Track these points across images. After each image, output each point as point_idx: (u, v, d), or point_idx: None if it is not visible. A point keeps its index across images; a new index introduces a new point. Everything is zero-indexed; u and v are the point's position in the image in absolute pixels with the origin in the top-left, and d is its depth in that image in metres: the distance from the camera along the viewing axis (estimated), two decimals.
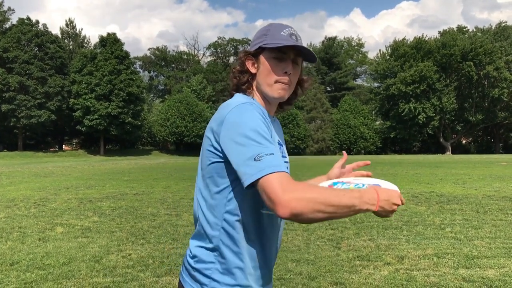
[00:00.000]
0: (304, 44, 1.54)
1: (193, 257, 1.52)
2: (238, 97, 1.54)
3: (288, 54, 1.52)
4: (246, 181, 1.31)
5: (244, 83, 1.58)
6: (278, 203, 1.25)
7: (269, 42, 1.52)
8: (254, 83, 1.58)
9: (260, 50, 1.55)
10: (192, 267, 1.51)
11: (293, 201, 1.24)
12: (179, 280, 1.58)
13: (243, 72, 1.58)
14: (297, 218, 1.26)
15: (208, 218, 1.49)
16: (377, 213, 1.36)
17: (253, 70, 1.57)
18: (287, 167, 1.58)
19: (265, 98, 1.58)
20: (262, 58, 1.55)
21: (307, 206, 1.25)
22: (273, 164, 1.30)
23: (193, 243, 1.54)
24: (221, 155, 1.43)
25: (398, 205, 1.37)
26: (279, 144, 1.58)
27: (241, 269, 1.48)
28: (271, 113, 1.63)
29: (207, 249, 1.50)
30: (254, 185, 1.31)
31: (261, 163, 1.30)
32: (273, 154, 1.33)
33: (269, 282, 1.61)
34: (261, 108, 1.53)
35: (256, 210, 1.48)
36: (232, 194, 1.46)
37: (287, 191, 1.25)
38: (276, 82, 1.52)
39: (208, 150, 1.47)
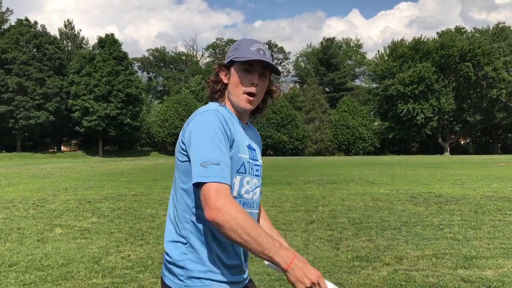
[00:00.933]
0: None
1: (168, 252, 1.65)
2: (209, 105, 1.69)
3: (256, 67, 1.66)
4: (192, 180, 1.49)
5: (217, 91, 1.73)
6: (207, 206, 1.42)
7: (239, 56, 1.66)
8: (226, 92, 1.73)
9: (232, 62, 1.69)
10: (168, 261, 1.64)
11: (220, 210, 1.40)
12: (161, 277, 1.71)
13: (217, 82, 1.74)
14: (217, 227, 1.42)
15: (179, 213, 1.64)
16: (286, 275, 1.42)
17: (225, 80, 1.72)
18: (258, 170, 1.76)
19: (235, 107, 1.72)
20: (232, 70, 1.70)
21: (228, 222, 1.39)
22: (217, 174, 1.45)
23: (167, 239, 1.68)
24: (186, 154, 1.58)
25: (311, 281, 1.39)
26: (250, 148, 1.72)
27: (211, 257, 1.59)
28: (244, 120, 1.76)
29: (179, 242, 1.62)
30: (197, 186, 1.48)
31: (206, 170, 1.46)
32: (218, 164, 1.47)
33: (243, 272, 1.71)
34: (228, 115, 1.66)
35: None
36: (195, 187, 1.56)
37: (219, 200, 1.41)
38: (243, 93, 1.67)
39: (179, 150, 1.63)
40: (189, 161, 1.56)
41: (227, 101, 1.73)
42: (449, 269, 4.91)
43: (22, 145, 58.17)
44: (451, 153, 66.44)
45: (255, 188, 1.73)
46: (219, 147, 1.51)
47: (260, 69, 1.67)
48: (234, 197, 1.63)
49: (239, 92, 1.67)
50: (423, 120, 63.88)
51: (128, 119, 57.11)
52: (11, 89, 53.56)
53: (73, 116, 56.63)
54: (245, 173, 1.66)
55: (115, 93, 55.71)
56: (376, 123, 72.21)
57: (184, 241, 1.61)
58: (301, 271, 1.40)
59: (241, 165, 1.64)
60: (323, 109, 71.90)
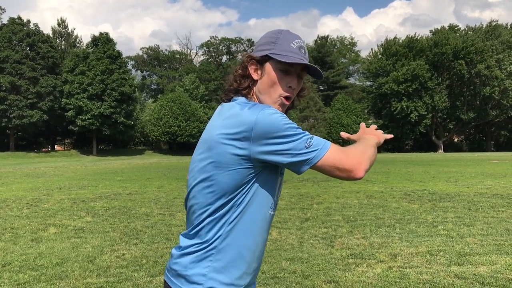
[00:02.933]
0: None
1: (183, 259, 1.51)
2: (246, 101, 1.51)
3: (295, 68, 1.51)
4: (304, 168, 1.42)
5: (245, 88, 1.54)
6: (351, 171, 1.43)
7: (278, 52, 1.48)
8: (255, 89, 1.55)
9: (267, 58, 1.51)
10: (184, 266, 1.50)
11: (359, 165, 1.44)
12: (165, 281, 1.57)
13: (245, 77, 1.55)
14: (367, 171, 1.48)
15: (206, 217, 1.49)
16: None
17: (255, 77, 1.54)
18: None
19: None
20: (268, 67, 1.51)
21: (368, 165, 1.48)
22: (322, 141, 1.43)
23: (186, 242, 1.54)
24: (247, 160, 1.42)
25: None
26: None
27: (237, 267, 1.49)
28: None
29: (201, 250, 1.49)
30: (315, 167, 1.43)
31: (314, 147, 1.40)
32: (313, 136, 1.43)
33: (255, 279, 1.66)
34: None
35: (262, 212, 1.52)
36: (245, 197, 1.47)
37: (351, 158, 1.44)
38: (279, 96, 1.51)
39: (234, 156, 1.42)
40: (248, 167, 1.43)
41: (254, 98, 1.56)
42: (443, 265, 4.94)
43: (15, 144, 57.80)
44: (444, 151, 66.72)
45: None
46: (298, 127, 1.42)
47: (299, 70, 1.53)
48: (276, 202, 1.58)
49: (274, 94, 1.51)
50: (416, 118, 64.09)
51: (122, 118, 56.88)
52: (4, 88, 53.18)
53: (66, 115, 56.32)
54: (282, 174, 1.58)
55: (109, 92, 55.48)
56: (370, 121, 72.27)
57: (211, 246, 1.47)
58: (372, 133, 1.79)
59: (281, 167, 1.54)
60: (317, 107, 71.98)
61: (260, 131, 1.38)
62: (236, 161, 1.43)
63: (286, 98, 1.52)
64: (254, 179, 1.46)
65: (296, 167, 1.43)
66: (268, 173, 1.49)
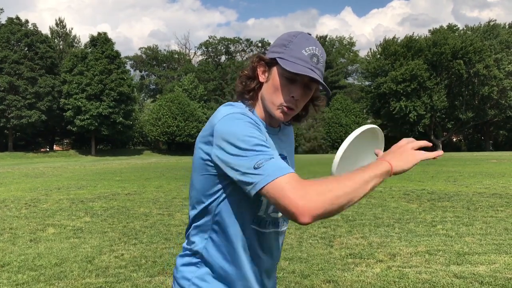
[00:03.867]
0: (324, 54, 1.45)
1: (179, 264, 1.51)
2: (234, 106, 1.43)
3: (302, 78, 1.38)
4: (252, 191, 1.23)
5: (250, 90, 1.45)
6: (294, 213, 1.16)
7: (286, 58, 1.37)
8: (260, 92, 1.46)
9: (275, 61, 1.40)
10: (177, 268, 1.50)
11: (309, 206, 1.15)
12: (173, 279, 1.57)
13: (251, 79, 1.46)
14: (321, 218, 1.19)
15: (198, 225, 1.46)
16: (397, 171, 1.29)
17: (262, 79, 1.44)
18: None
19: (267, 112, 1.46)
20: (274, 71, 1.41)
21: (327, 205, 1.16)
22: (278, 167, 1.21)
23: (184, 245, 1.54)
24: (212, 167, 1.35)
25: (410, 146, 1.34)
26: (281, 157, 1.45)
27: (220, 280, 1.43)
28: (275, 124, 1.52)
29: (192, 253, 1.47)
30: (261, 193, 1.22)
31: (263, 170, 1.20)
32: (273, 157, 1.23)
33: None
34: (255, 119, 1.41)
35: (239, 222, 1.41)
36: (219, 206, 1.40)
37: (299, 195, 1.16)
38: (280, 104, 1.40)
39: (201, 160, 1.39)
40: (214, 174, 1.36)
41: (258, 102, 1.47)
42: (442, 265, 4.94)
43: (14, 144, 57.72)
44: (443, 150, 66.66)
45: None
46: (265, 145, 1.27)
47: (307, 80, 1.39)
48: (261, 217, 1.43)
49: (276, 101, 1.40)
50: (415, 117, 64.13)
51: (121, 118, 56.85)
52: (2, 88, 53.14)
53: (65, 115, 56.27)
54: None
55: (107, 92, 55.44)
56: (369, 121, 72.41)
57: (197, 254, 1.45)
58: (398, 155, 1.32)
59: None
60: None
61: (217, 133, 1.30)
62: (203, 165, 1.37)
63: (288, 108, 1.40)
64: (227, 187, 1.37)
65: (244, 188, 1.26)
66: None
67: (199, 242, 1.44)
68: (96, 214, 8.87)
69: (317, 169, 22.31)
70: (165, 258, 5.44)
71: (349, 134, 1.42)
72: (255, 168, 1.21)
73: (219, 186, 1.37)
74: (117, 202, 10.52)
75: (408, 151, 1.32)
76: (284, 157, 1.50)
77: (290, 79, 1.38)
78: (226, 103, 1.45)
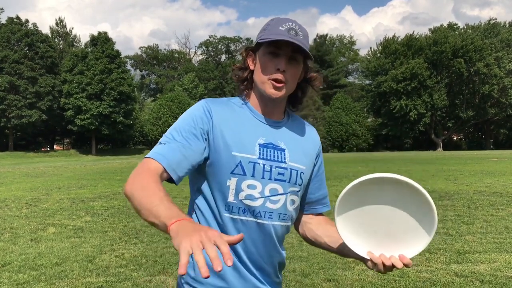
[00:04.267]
0: (304, 30, 1.47)
1: None
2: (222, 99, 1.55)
3: (284, 50, 1.41)
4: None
5: (244, 80, 1.51)
6: (128, 180, 1.30)
7: (265, 37, 1.42)
8: (254, 80, 1.50)
9: (258, 46, 1.46)
10: None
11: (127, 184, 1.28)
12: None
13: (243, 69, 1.52)
14: (128, 199, 1.28)
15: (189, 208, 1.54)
16: (174, 232, 1.01)
17: (252, 67, 1.50)
18: (282, 174, 1.45)
19: (262, 97, 1.48)
20: (258, 54, 1.47)
21: (127, 189, 1.26)
22: (154, 151, 1.35)
23: None
24: None
25: (199, 239, 0.91)
26: (268, 146, 1.45)
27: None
28: (273, 115, 1.52)
29: None
30: None
31: (153, 149, 1.38)
32: (165, 144, 1.37)
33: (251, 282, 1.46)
34: (233, 107, 1.48)
35: (212, 212, 1.44)
36: (195, 193, 1.50)
37: (133, 173, 1.31)
38: (268, 79, 1.42)
39: None
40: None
41: (253, 92, 1.51)
42: (443, 264, 4.94)
43: (14, 144, 57.72)
44: (444, 149, 66.73)
45: (273, 195, 1.44)
46: (179, 132, 1.39)
47: (290, 52, 1.41)
48: (232, 203, 1.41)
49: (263, 78, 1.43)
50: (416, 116, 64.08)
51: (121, 118, 56.84)
52: (3, 88, 53.10)
53: (65, 115, 56.25)
54: (244, 175, 1.40)
55: (107, 92, 55.42)
56: (369, 120, 72.41)
57: None
58: (190, 229, 0.97)
59: (236, 166, 1.40)
60: (316, 106, 71.97)
61: None
62: None
63: (276, 80, 1.41)
64: (199, 174, 1.47)
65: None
66: (212, 170, 1.43)
67: None
68: (97, 213, 8.87)
69: None
70: (166, 257, 5.44)
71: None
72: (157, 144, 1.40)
73: (194, 172, 1.46)
74: (117, 202, 10.52)
75: (194, 236, 0.93)
76: (277, 148, 1.47)
77: (273, 53, 1.42)
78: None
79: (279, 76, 1.41)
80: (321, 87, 1.61)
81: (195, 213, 1.48)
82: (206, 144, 1.41)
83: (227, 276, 1.41)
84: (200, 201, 1.47)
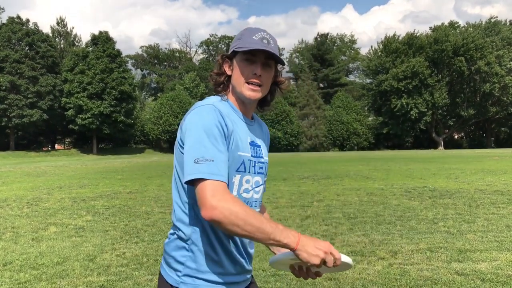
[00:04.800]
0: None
1: (169, 247, 1.64)
2: (208, 99, 1.62)
3: (258, 57, 1.59)
4: (184, 179, 1.45)
5: (220, 84, 1.67)
6: (203, 205, 1.38)
7: (241, 46, 1.59)
8: (231, 84, 1.67)
9: (235, 53, 1.63)
10: (168, 255, 1.63)
11: (217, 208, 1.36)
12: (159, 268, 1.69)
13: (220, 74, 1.68)
14: (216, 225, 1.40)
15: (182, 210, 1.61)
16: (297, 254, 1.40)
17: (229, 72, 1.66)
18: (262, 167, 1.69)
19: (240, 99, 1.65)
20: (235, 61, 1.63)
21: (227, 218, 1.36)
22: (211, 171, 1.41)
23: (170, 233, 1.66)
24: (182, 148, 1.55)
25: (323, 251, 1.39)
26: (253, 144, 1.66)
27: (209, 257, 1.57)
28: (248, 114, 1.70)
29: (180, 239, 1.60)
30: (192, 184, 1.45)
31: (199, 166, 1.42)
32: (213, 161, 1.43)
33: (245, 273, 1.67)
34: (229, 110, 1.61)
35: None
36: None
37: (215, 198, 1.37)
38: (244, 82, 1.60)
39: (178, 145, 1.58)
40: None
41: (230, 95, 1.68)
42: (444, 262, 4.94)
43: (15, 143, 57.80)
44: (445, 148, 66.71)
45: (257, 187, 1.68)
46: (214, 144, 1.46)
47: (263, 59, 1.60)
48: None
49: (241, 82, 1.60)
50: (417, 115, 64.08)
51: (122, 117, 56.86)
52: (4, 87, 53.14)
53: (66, 114, 56.28)
54: (245, 171, 1.60)
55: (108, 91, 55.43)
56: (370, 118, 72.39)
57: (186, 238, 1.58)
58: (312, 245, 1.39)
59: (241, 164, 1.58)
60: (317, 104, 71.99)
61: (187, 121, 1.54)
62: (178, 149, 1.59)
63: (253, 84, 1.59)
64: None
65: (182, 171, 1.50)
66: None
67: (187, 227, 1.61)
68: (98, 212, 8.88)
69: (318, 167, 22.31)
70: None
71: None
72: (194, 162, 1.43)
73: None
74: (118, 201, 10.54)
75: (316, 251, 1.39)
76: (257, 145, 1.69)
77: (248, 60, 1.59)
78: (197, 103, 1.62)
79: (255, 80, 1.59)
80: (290, 90, 1.79)
81: (196, 206, 1.51)
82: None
83: (223, 263, 1.58)
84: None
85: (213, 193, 1.38)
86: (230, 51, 1.65)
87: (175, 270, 1.58)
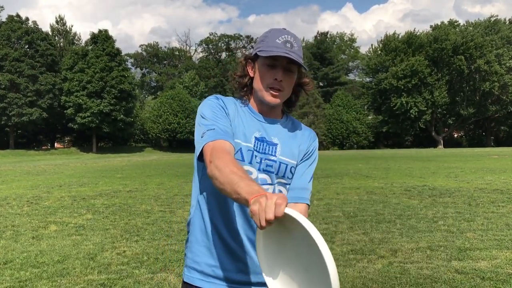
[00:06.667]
0: (298, 40, 1.62)
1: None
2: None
3: (281, 62, 1.57)
4: (196, 155, 1.53)
5: (244, 85, 1.68)
6: (208, 165, 1.42)
7: (264, 49, 1.58)
8: (253, 86, 1.67)
9: (257, 56, 1.62)
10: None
11: (211, 165, 1.39)
12: None
13: (243, 76, 1.68)
14: (213, 181, 1.38)
15: (192, 195, 1.71)
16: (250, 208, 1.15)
17: (251, 74, 1.66)
18: (270, 166, 1.60)
19: (262, 103, 1.66)
20: (257, 64, 1.63)
21: (212, 171, 1.37)
22: (211, 136, 1.48)
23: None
24: None
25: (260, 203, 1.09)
26: (262, 140, 1.61)
27: (203, 248, 1.62)
28: (271, 115, 1.69)
29: (188, 226, 1.70)
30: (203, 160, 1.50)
31: (203, 138, 1.50)
32: (213, 129, 1.51)
33: (247, 273, 1.60)
34: (240, 105, 1.67)
35: (216, 196, 1.61)
36: (203, 175, 1.61)
37: (212, 155, 1.41)
38: (266, 87, 1.59)
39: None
40: None
41: (252, 96, 1.69)
42: (443, 261, 4.95)
43: (15, 142, 57.73)
44: (444, 146, 66.70)
45: (263, 185, 1.57)
46: (213, 118, 1.55)
47: (285, 64, 1.58)
48: None
49: (262, 86, 1.60)
50: (416, 113, 64.04)
51: (122, 115, 56.79)
52: (3, 86, 53.08)
53: (66, 113, 56.21)
54: (243, 160, 1.57)
55: (108, 89, 55.36)
56: (370, 117, 72.33)
57: (188, 229, 1.68)
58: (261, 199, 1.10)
59: (237, 151, 1.56)
60: (317, 103, 71.89)
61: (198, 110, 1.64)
62: None
63: (273, 88, 1.59)
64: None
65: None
66: None
67: (191, 213, 1.70)
68: (98, 211, 8.89)
69: (318, 166, 22.28)
70: (167, 254, 5.45)
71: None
72: (201, 137, 1.51)
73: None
74: (118, 199, 10.54)
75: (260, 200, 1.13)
76: (270, 143, 1.64)
77: (270, 66, 1.58)
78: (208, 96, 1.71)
79: (276, 85, 1.59)
80: (313, 88, 1.79)
81: (203, 196, 1.63)
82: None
83: (218, 255, 1.60)
84: (204, 184, 1.64)
85: (211, 152, 1.43)
86: (253, 53, 1.64)
87: (184, 265, 1.69)
